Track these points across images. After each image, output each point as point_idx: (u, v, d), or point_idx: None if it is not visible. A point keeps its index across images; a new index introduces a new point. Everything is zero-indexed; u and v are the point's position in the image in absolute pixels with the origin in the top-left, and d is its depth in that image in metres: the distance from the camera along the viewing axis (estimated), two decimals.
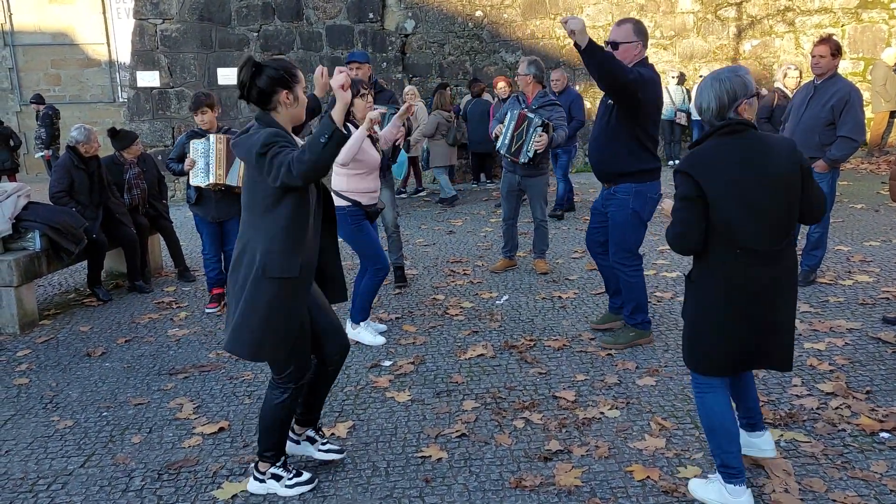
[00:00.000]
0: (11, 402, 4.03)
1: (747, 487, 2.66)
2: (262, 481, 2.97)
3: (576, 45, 3.71)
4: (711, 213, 2.51)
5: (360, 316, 4.67)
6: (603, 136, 4.19)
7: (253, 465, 3.04)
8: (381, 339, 4.64)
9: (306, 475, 2.99)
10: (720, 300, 2.58)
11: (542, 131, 5.51)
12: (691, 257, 2.67)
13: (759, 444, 2.88)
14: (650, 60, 4.21)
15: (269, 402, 2.87)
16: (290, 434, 3.11)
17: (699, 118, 11.75)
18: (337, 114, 2.57)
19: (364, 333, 4.65)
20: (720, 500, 2.67)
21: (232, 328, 2.74)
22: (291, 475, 2.96)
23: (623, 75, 3.84)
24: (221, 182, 5.14)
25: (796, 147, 2.59)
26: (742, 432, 2.86)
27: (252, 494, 2.97)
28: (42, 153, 13.09)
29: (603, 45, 3.85)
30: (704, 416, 2.70)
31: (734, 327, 2.58)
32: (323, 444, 3.17)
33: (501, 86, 8.62)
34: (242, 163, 2.93)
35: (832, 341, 4.22)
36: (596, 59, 3.73)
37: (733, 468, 2.63)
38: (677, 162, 11.39)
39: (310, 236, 2.77)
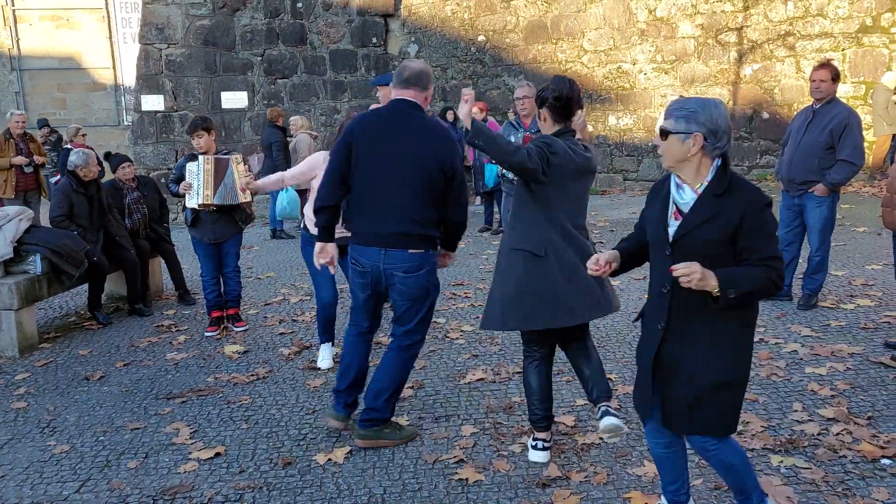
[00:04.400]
0: (9, 426, 4.01)
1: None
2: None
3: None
4: None
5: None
6: None
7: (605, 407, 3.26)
8: (327, 363, 4.67)
9: None
10: (751, 348, 2.45)
11: None
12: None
13: None
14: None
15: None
16: None
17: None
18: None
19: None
20: None
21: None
22: None
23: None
24: (209, 202, 5.18)
25: None
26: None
27: None
28: (56, 178, 13.23)
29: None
30: (736, 462, 2.49)
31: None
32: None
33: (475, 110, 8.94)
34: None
35: (833, 366, 4.19)
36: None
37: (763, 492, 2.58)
38: None
39: None
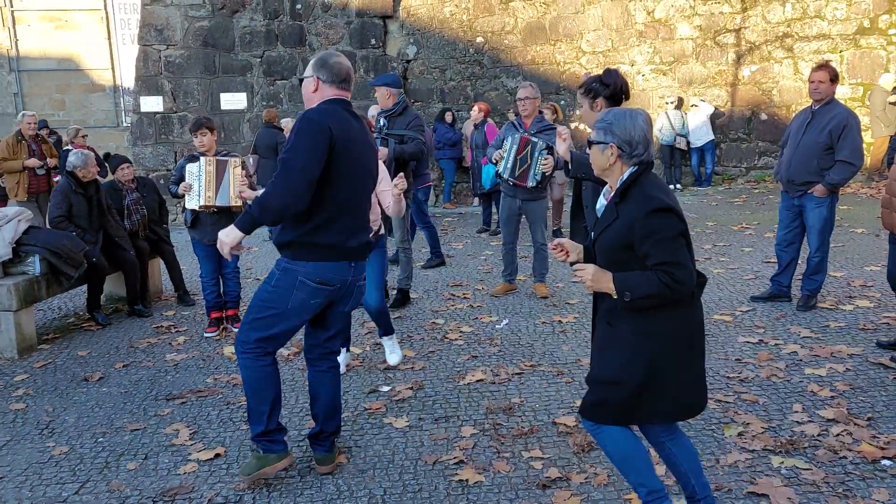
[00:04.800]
0: (7, 428, 4.00)
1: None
2: None
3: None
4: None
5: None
6: None
7: None
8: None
9: None
10: (686, 342, 2.46)
11: (548, 154, 5.51)
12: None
13: None
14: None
15: None
16: None
17: (697, 145, 11.83)
18: None
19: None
20: None
21: None
22: None
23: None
24: (211, 204, 5.18)
25: None
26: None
27: None
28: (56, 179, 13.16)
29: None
30: (614, 450, 2.57)
31: (697, 367, 2.51)
32: None
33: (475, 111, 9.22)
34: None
35: (833, 367, 4.19)
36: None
37: (658, 490, 2.56)
38: (678, 187, 11.52)
39: None
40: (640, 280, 2.35)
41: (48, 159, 8.56)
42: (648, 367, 2.42)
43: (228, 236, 3.06)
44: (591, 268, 2.45)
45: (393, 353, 4.66)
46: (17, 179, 8.37)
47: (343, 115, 3.08)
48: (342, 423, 3.70)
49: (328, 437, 3.36)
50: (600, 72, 3.61)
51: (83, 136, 9.28)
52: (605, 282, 2.41)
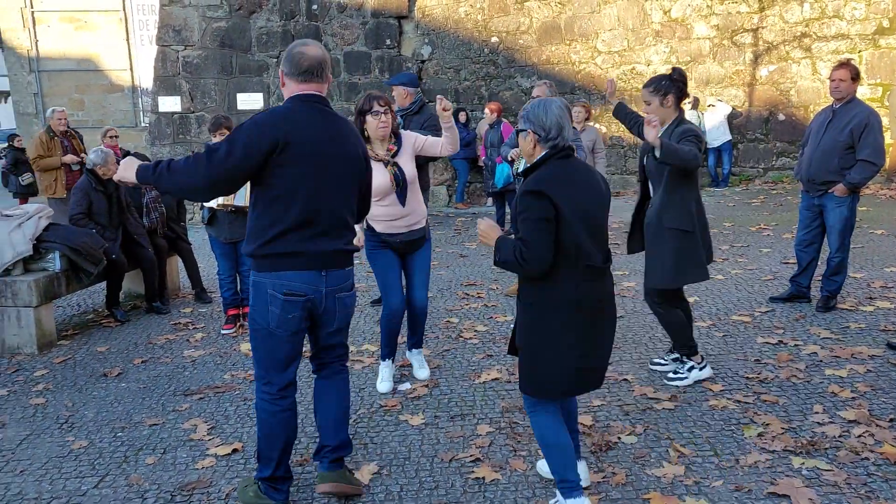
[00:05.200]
0: (28, 422, 4.04)
1: (585, 498, 2.75)
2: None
3: None
4: (562, 232, 2.58)
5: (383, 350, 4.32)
6: None
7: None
8: (386, 386, 4.24)
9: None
10: (564, 320, 2.64)
11: None
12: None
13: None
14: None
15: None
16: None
17: (714, 145, 11.74)
18: None
19: (381, 370, 4.33)
20: None
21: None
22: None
23: None
24: (229, 203, 5.21)
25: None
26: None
27: None
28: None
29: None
30: (540, 436, 2.79)
31: (577, 346, 2.66)
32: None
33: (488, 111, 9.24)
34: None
35: (854, 368, 4.14)
36: None
37: (571, 481, 2.73)
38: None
39: None
40: (506, 246, 2.63)
41: (82, 154, 8.52)
42: (532, 335, 2.68)
43: (126, 170, 2.79)
44: (486, 223, 2.75)
45: (422, 367, 4.43)
46: (54, 177, 8.32)
47: (303, 117, 2.75)
48: (354, 425, 3.69)
49: (331, 451, 3.05)
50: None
51: (112, 137, 9.11)
52: (490, 239, 2.72)
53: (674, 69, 3.90)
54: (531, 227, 2.55)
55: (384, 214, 4.02)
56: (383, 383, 4.25)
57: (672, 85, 3.81)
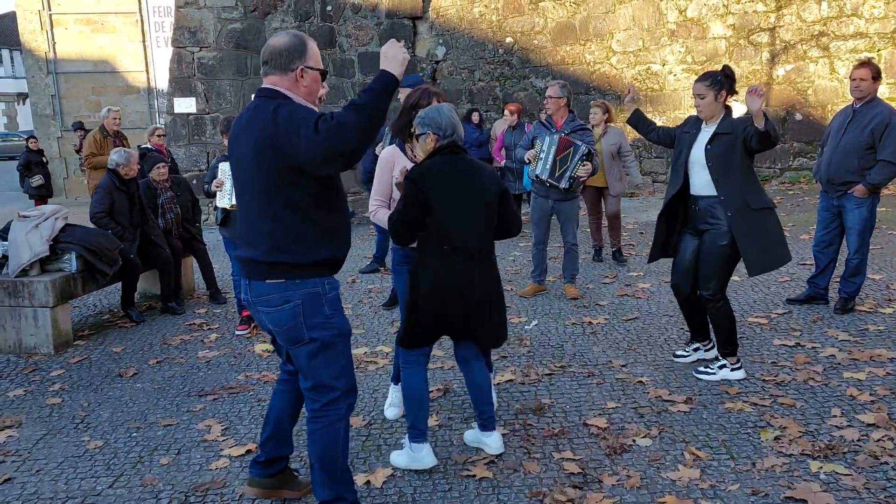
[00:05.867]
0: (44, 422, 4.08)
1: (427, 444, 3.23)
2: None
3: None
4: (432, 216, 3.04)
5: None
6: None
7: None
8: (393, 412, 3.88)
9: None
10: (428, 286, 3.11)
11: (587, 160, 5.53)
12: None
13: (488, 442, 3.37)
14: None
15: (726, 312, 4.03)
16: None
17: None
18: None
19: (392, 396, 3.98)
20: (408, 460, 3.25)
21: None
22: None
23: None
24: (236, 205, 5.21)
25: (496, 173, 3.29)
26: (475, 430, 3.43)
27: None
28: None
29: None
30: (405, 386, 3.25)
31: (433, 308, 3.12)
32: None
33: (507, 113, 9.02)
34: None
35: (873, 371, 4.08)
36: None
37: (419, 429, 3.23)
38: None
39: None
40: (392, 213, 3.16)
41: None
42: (414, 296, 3.16)
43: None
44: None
45: (392, 405, 3.97)
46: (103, 175, 8.45)
47: (245, 110, 2.65)
48: (368, 427, 3.67)
49: (268, 463, 3.00)
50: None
51: (160, 136, 8.97)
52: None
53: (724, 66, 4.05)
54: (401, 204, 3.08)
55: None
56: (390, 409, 3.89)
57: (727, 81, 3.98)
